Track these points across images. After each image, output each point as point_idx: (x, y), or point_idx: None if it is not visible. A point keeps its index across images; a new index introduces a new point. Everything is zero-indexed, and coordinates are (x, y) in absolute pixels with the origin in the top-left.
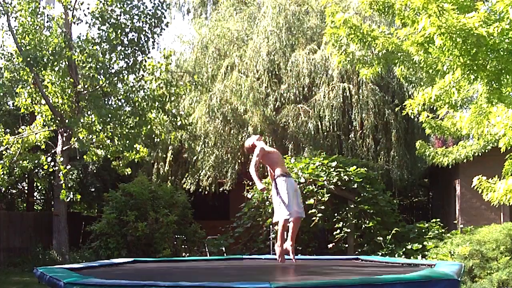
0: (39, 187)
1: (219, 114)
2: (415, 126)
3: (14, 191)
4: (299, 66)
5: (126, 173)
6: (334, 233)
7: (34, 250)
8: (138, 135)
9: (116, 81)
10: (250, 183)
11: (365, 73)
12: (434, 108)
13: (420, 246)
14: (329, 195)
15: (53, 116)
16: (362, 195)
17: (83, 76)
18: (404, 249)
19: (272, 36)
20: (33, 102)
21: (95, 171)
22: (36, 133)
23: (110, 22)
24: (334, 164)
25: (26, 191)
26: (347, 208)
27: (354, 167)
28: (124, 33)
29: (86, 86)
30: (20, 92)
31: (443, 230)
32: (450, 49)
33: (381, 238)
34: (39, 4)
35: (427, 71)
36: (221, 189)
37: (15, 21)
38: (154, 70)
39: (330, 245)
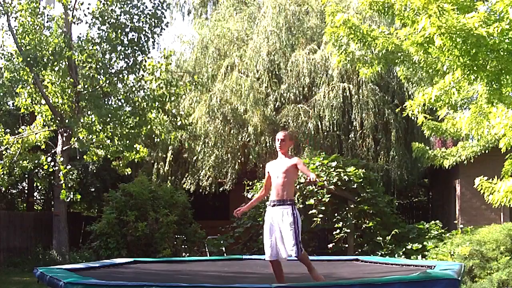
0: (39, 187)
1: (219, 114)
2: (415, 126)
3: (14, 191)
4: (299, 66)
5: (126, 173)
6: (334, 233)
7: (34, 250)
8: (138, 135)
9: (116, 81)
10: (250, 183)
11: (365, 72)
12: (435, 109)
13: (420, 246)
14: (329, 195)
15: (53, 116)
16: (361, 195)
17: (83, 76)
18: (404, 249)
19: (272, 36)
20: (33, 102)
21: (95, 171)
22: (36, 133)
23: (110, 22)
24: (334, 164)
25: (26, 191)
26: (347, 208)
27: (353, 168)
28: (124, 33)
29: (86, 86)
30: (20, 92)
31: (443, 231)
32: (450, 49)
33: (381, 238)
34: (39, 4)
35: (427, 71)
36: (221, 189)
37: (15, 21)
38: (154, 70)
39: (330, 245)
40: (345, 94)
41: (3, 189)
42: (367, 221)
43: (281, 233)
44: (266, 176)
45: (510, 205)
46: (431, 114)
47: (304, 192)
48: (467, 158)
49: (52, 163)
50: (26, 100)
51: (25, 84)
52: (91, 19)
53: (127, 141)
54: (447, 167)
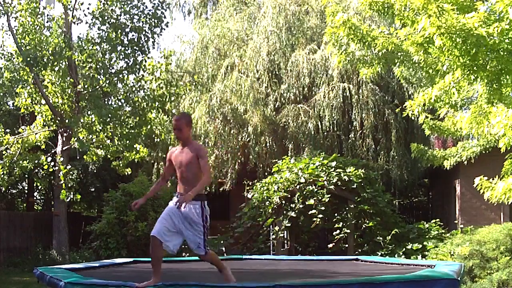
0: (39, 187)
1: (219, 114)
2: (415, 126)
3: (14, 191)
4: (299, 66)
5: (126, 173)
6: (334, 233)
7: (34, 250)
8: (138, 135)
9: (116, 81)
10: (250, 183)
11: (365, 73)
12: (435, 108)
13: (420, 246)
14: (329, 195)
15: (53, 116)
16: (361, 195)
17: (83, 76)
18: (404, 249)
19: (272, 36)
20: (33, 102)
21: (95, 171)
22: (36, 133)
23: (110, 22)
24: (334, 164)
25: (26, 191)
26: (347, 208)
27: (353, 168)
28: (124, 33)
29: (86, 86)
30: (20, 92)
31: (443, 230)
32: (450, 49)
33: (381, 238)
34: (39, 4)
35: (427, 71)
36: (221, 189)
37: (15, 21)
38: (154, 70)
39: (330, 245)
40: (345, 94)
41: (3, 189)
42: (367, 221)
43: (186, 228)
44: (167, 164)
45: (508, 202)
46: (431, 114)
47: (304, 192)
48: (467, 158)
49: (52, 163)
50: (26, 100)
51: (25, 84)
52: (91, 19)
53: (127, 141)
54: (446, 168)
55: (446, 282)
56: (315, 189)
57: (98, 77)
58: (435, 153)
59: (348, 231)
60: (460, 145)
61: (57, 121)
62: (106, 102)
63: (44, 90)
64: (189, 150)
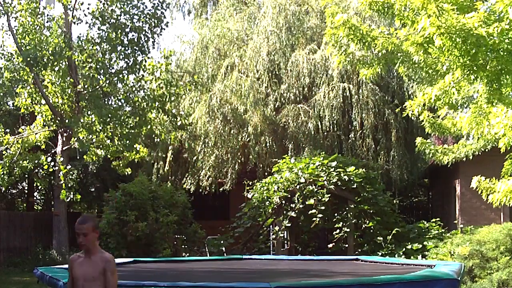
0: (39, 187)
1: (219, 114)
2: (415, 126)
3: (14, 191)
4: (299, 66)
5: (126, 173)
6: (334, 233)
7: (34, 250)
8: (138, 135)
9: (116, 81)
10: (250, 183)
11: (365, 73)
12: (435, 108)
13: (420, 246)
14: (329, 195)
15: (53, 116)
16: (362, 195)
17: (83, 76)
18: (404, 249)
19: (272, 36)
20: (33, 102)
21: (95, 171)
22: (36, 133)
23: (110, 22)
24: (334, 164)
25: (26, 191)
26: (347, 208)
27: (353, 167)
28: (124, 33)
29: (86, 86)
30: (20, 92)
31: (443, 230)
32: (450, 49)
33: (381, 238)
34: (39, 4)
35: (427, 71)
36: (221, 189)
37: (15, 21)
38: (154, 70)
39: (330, 245)
40: (345, 94)
41: (3, 189)
42: (367, 221)
43: None
44: (69, 278)
45: (510, 204)
46: (431, 113)
47: (304, 192)
48: (467, 155)
49: (52, 163)
50: (26, 100)
51: (25, 84)
52: (91, 19)
53: (127, 141)
54: (446, 164)
55: (446, 282)
56: (315, 189)
57: (98, 77)
58: (436, 148)
59: (348, 231)
60: (461, 143)
61: (57, 121)
62: (106, 102)
63: (44, 90)
64: (95, 262)
